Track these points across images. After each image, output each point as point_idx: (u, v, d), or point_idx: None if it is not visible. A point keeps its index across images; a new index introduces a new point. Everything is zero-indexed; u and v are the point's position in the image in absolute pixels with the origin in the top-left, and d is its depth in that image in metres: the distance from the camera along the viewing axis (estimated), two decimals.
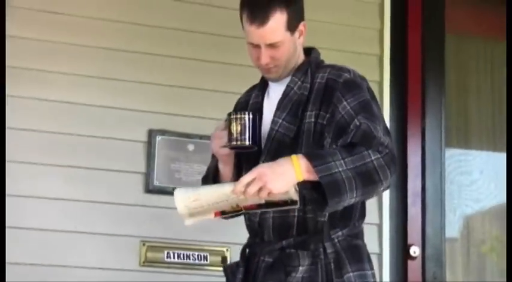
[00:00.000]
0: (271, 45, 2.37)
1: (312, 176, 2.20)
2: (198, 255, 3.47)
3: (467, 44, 4.23)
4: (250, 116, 2.37)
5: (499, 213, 4.16)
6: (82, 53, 3.49)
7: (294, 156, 2.22)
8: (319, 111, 2.37)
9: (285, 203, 2.26)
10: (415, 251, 3.79)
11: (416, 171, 3.86)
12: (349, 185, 2.18)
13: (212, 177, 2.51)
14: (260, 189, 2.18)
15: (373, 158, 2.22)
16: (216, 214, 2.31)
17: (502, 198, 4.14)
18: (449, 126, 4.03)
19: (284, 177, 2.19)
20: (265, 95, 2.52)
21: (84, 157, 3.41)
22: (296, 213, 2.35)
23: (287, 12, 2.35)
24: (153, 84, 3.55)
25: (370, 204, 3.62)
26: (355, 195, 2.20)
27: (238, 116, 2.37)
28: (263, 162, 2.36)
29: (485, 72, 4.23)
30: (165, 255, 3.44)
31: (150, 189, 3.46)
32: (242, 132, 2.36)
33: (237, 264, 2.47)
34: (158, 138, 3.50)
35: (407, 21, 3.94)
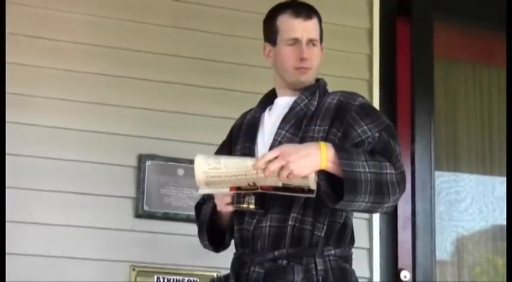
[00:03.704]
0: (311, 42, 2.47)
1: (334, 168, 2.18)
2: (188, 280, 3.45)
3: (456, 69, 4.25)
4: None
5: (490, 235, 4.16)
6: (71, 78, 3.49)
7: (322, 143, 2.21)
8: (329, 127, 2.38)
9: (302, 190, 2.22)
10: (405, 275, 3.77)
11: (406, 196, 3.85)
12: (365, 188, 2.17)
13: (209, 216, 2.50)
14: (281, 169, 2.15)
15: (388, 171, 2.22)
16: (231, 189, 2.28)
17: (492, 220, 4.15)
18: (438, 150, 4.04)
19: (308, 160, 2.16)
20: (267, 112, 2.54)
21: (74, 182, 3.41)
22: (292, 223, 2.33)
23: (319, 23, 2.53)
24: (143, 109, 3.55)
25: (360, 228, 3.66)
26: (366, 200, 2.19)
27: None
28: None
29: (474, 97, 4.25)
30: (155, 280, 3.42)
31: (139, 214, 3.45)
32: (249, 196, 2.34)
33: (225, 276, 2.45)
34: (148, 163, 3.50)
35: (396, 46, 3.97)
